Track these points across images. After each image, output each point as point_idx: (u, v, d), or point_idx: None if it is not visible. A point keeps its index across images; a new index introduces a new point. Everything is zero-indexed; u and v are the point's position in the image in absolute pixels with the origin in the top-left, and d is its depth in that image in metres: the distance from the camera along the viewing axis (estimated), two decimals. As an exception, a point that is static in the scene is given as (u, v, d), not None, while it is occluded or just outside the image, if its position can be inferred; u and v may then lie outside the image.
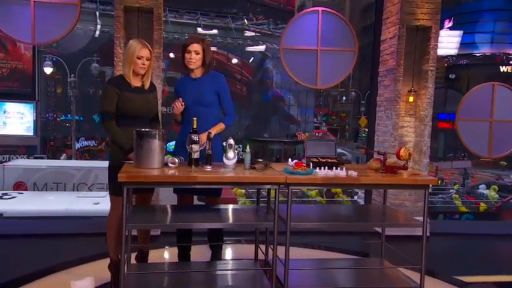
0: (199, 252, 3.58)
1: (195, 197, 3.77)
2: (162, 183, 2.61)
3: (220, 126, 3.23)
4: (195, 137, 2.82)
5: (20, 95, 23.71)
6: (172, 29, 23.39)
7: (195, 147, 2.84)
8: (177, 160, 2.78)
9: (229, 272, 3.04)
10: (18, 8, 4.62)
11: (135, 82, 3.07)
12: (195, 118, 2.91)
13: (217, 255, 3.28)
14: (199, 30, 23.19)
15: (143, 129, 2.76)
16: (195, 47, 3.16)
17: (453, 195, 15.73)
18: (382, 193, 5.26)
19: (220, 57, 23.53)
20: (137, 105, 3.02)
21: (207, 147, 2.88)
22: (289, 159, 3.07)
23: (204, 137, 2.96)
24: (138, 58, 2.99)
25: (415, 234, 5.13)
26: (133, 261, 3.24)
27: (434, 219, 13.68)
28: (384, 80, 5.41)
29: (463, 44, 28.77)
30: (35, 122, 24.35)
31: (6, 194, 10.91)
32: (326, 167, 2.89)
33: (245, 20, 24.13)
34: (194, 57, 3.16)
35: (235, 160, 2.87)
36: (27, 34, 4.66)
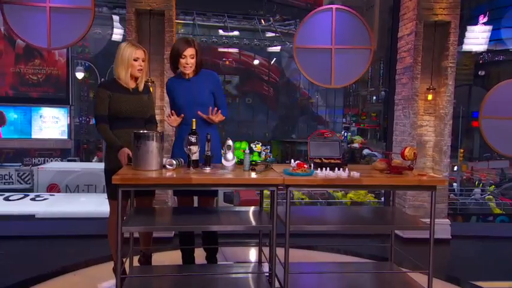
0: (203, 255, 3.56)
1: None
2: (157, 185, 2.58)
3: (222, 117, 3.14)
4: (192, 139, 2.79)
5: (55, 100, 24.46)
6: (200, 32, 23.56)
7: (194, 148, 2.81)
8: (174, 162, 2.76)
9: (230, 275, 2.99)
10: (34, 13, 4.72)
11: (130, 84, 3.07)
12: (194, 120, 2.89)
13: (211, 256, 3.23)
14: (221, 32, 23.26)
15: (141, 131, 2.76)
16: (190, 51, 3.09)
17: (487, 197, 15.15)
18: (405, 194, 5.16)
19: (247, 58, 23.57)
20: (130, 106, 3.02)
21: (206, 149, 2.85)
22: (292, 160, 3.01)
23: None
24: (135, 60, 2.99)
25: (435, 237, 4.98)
26: (136, 263, 3.26)
27: (467, 221, 13.25)
28: (402, 78, 5.25)
29: (498, 40, 27.71)
30: (69, 126, 25.05)
31: (39, 196, 11.28)
32: (328, 168, 2.81)
33: (262, 21, 24.00)
34: (190, 61, 3.09)
35: (234, 161, 2.83)
36: (44, 39, 4.76)
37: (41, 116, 24.85)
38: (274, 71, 24.81)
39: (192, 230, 3.10)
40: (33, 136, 24.73)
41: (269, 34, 24.17)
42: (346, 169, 2.83)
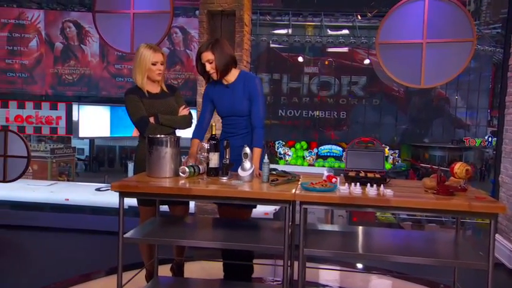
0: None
1: None
2: (153, 194, 2.41)
3: (258, 155, 2.72)
4: (207, 145, 2.59)
5: (191, 102, 26.38)
6: (326, 33, 23.21)
7: (210, 155, 2.61)
8: (187, 169, 2.58)
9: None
10: (120, 20, 4.98)
11: (153, 89, 2.96)
12: (213, 124, 2.68)
13: (230, 274, 2.95)
14: (329, 31, 22.59)
15: (157, 136, 2.63)
16: (205, 56, 2.79)
17: None
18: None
19: (375, 57, 22.43)
20: (159, 111, 2.91)
21: (225, 156, 2.61)
22: (325, 171, 2.61)
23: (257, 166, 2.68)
24: (153, 64, 2.88)
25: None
26: (168, 273, 3.16)
27: None
28: (514, 74, 4.35)
29: None
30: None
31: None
32: (358, 184, 2.36)
33: (358, 16, 22.64)
34: (209, 67, 2.80)
35: (251, 171, 2.54)
36: (127, 44, 5.00)
37: (180, 117, 27.02)
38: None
39: (188, 245, 2.88)
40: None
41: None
42: (382, 186, 2.34)
